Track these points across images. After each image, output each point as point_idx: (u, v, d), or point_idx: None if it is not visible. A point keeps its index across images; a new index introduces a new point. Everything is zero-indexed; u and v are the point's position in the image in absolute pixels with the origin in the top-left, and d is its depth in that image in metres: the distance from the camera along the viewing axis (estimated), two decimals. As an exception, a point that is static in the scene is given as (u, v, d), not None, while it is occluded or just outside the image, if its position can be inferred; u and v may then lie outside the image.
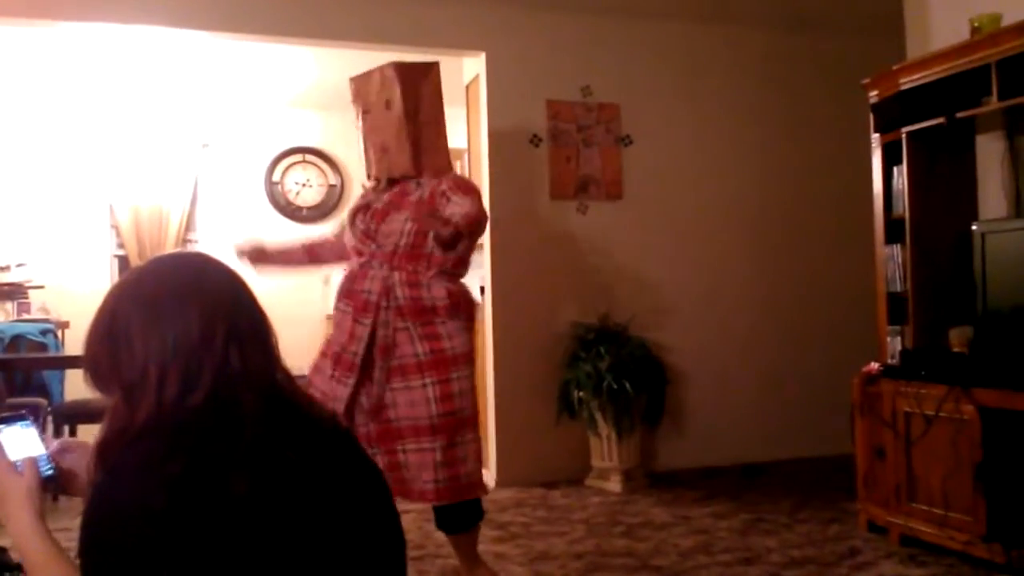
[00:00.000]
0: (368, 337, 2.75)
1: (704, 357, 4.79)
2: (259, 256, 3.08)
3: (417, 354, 2.73)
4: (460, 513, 2.81)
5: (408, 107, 2.87)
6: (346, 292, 2.84)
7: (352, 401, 2.77)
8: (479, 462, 2.85)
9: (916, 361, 3.28)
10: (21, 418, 1.30)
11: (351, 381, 2.75)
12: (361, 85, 2.99)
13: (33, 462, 1.24)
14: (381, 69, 2.95)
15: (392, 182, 2.89)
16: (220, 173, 6.68)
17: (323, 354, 2.90)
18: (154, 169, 6.49)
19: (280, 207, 6.83)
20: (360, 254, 2.85)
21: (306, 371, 2.85)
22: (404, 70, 2.91)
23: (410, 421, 2.71)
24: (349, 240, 2.93)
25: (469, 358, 2.84)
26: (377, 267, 2.79)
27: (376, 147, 2.92)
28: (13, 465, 1.22)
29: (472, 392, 2.84)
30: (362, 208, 2.90)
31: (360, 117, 2.99)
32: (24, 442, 1.27)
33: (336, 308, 2.89)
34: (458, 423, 2.75)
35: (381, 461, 2.72)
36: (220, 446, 1.11)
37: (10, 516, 1.20)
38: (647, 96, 4.80)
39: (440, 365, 2.74)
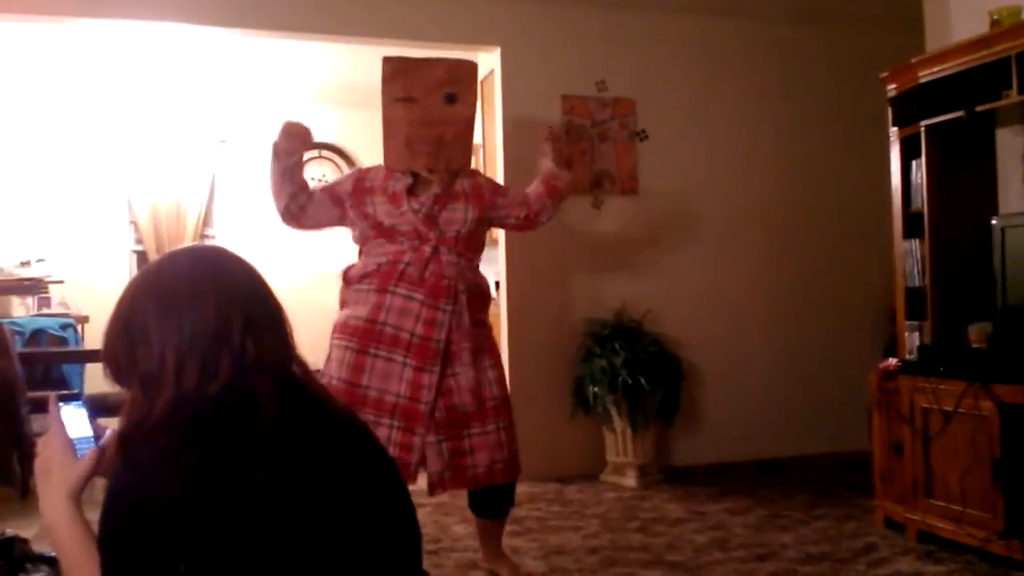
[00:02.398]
0: (449, 322, 2.80)
1: (719, 353, 4.77)
2: (300, 139, 2.85)
3: (478, 338, 2.89)
4: (499, 496, 2.92)
5: (476, 109, 3.03)
6: (415, 278, 2.79)
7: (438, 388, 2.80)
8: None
9: (935, 357, 3.25)
10: (75, 398, 1.32)
11: (437, 368, 2.78)
12: (407, 70, 2.93)
13: (99, 453, 1.22)
14: (450, 64, 2.97)
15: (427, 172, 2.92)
16: (237, 169, 6.71)
17: (362, 352, 2.77)
18: (172, 165, 6.54)
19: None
20: (422, 239, 2.82)
21: (320, 366, 2.83)
22: (476, 72, 3.05)
23: (475, 406, 2.81)
24: (388, 216, 2.84)
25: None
26: (446, 253, 2.85)
27: (428, 139, 2.88)
28: (72, 444, 1.22)
29: None
30: (406, 191, 2.86)
31: (395, 102, 2.90)
32: (76, 423, 1.28)
33: (392, 293, 2.79)
34: (508, 405, 2.94)
35: (445, 448, 2.77)
36: (236, 437, 1.12)
37: (50, 493, 1.19)
38: (662, 91, 4.78)
39: (492, 349, 2.97)
